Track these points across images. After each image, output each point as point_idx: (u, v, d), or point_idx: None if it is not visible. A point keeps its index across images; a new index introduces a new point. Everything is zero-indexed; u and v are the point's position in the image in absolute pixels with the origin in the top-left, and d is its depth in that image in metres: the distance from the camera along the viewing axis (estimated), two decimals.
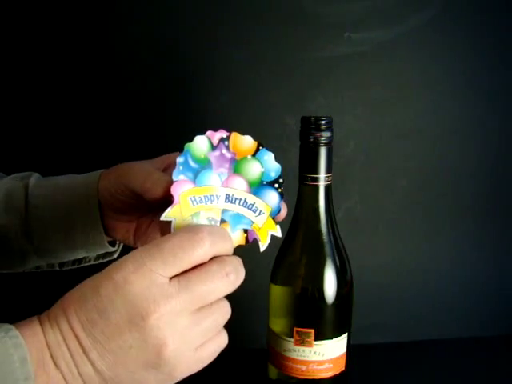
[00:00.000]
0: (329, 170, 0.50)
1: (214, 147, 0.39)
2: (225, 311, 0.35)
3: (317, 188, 0.50)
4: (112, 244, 0.51)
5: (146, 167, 0.43)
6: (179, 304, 0.32)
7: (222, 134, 0.39)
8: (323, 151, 0.49)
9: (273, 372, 0.55)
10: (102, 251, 0.50)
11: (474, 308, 0.77)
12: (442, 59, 0.70)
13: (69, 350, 0.32)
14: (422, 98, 0.71)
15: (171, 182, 0.38)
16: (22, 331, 0.32)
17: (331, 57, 0.68)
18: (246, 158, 0.39)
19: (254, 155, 0.39)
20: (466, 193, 0.75)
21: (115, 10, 0.65)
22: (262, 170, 0.39)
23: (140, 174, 0.42)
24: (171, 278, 0.33)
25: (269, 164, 0.39)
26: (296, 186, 0.51)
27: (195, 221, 0.38)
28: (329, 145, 0.49)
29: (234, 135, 0.39)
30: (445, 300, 0.76)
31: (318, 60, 0.68)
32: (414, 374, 0.68)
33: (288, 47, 0.68)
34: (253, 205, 0.39)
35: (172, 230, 0.38)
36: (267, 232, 0.39)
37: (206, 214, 0.38)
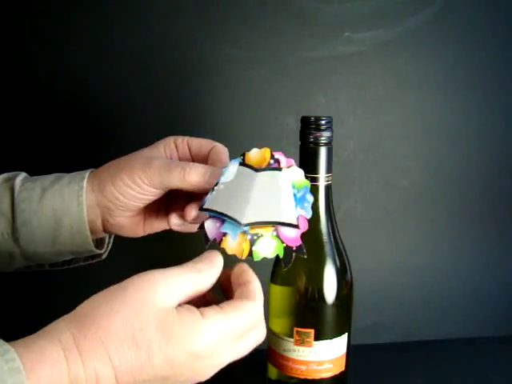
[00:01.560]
0: (329, 169, 0.50)
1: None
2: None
3: (317, 188, 0.50)
4: (100, 244, 0.50)
5: (167, 163, 0.43)
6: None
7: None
8: (323, 151, 0.49)
9: (273, 372, 0.55)
10: (89, 254, 0.49)
11: (473, 308, 0.77)
12: (442, 59, 0.70)
13: None
14: (422, 98, 0.71)
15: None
16: (31, 361, 0.29)
17: (331, 57, 0.68)
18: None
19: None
20: (467, 193, 0.75)
21: (115, 10, 0.65)
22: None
23: (175, 168, 0.43)
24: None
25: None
26: None
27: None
28: (329, 145, 0.49)
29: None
30: (445, 300, 0.76)
31: (318, 60, 0.68)
32: (414, 374, 0.68)
33: (288, 47, 0.68)
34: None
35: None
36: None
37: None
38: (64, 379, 0.29)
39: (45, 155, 0.66)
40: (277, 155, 0.39)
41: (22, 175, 0.48)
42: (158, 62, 0.67)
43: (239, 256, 0.37)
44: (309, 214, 0.38)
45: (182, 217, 0.44)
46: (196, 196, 0.44)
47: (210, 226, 0.38)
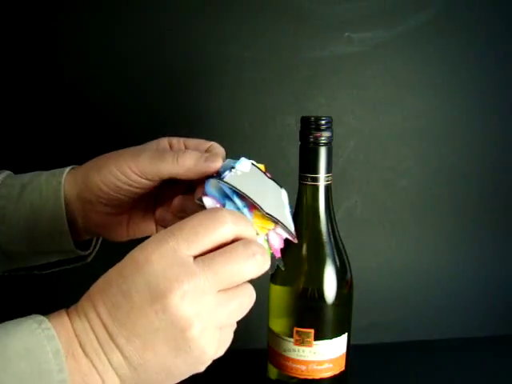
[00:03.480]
0: (329, 169, 0.50)
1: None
2: (250, 294, 0.34)
3: (317, 188, 0.50)
4: (86, 246, 0.49)
5: (159, 152, 0.42)
6: (204, 283, 0.31)
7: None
8: (323, 151, 0.49)
9: (273, 372, 0.55)
10: (73, 255, 0.48)
11: (473, 308, 0.77)
12: (442, 59, 0.70)
13: (96, 337, 0.31)
14: (422, 98, 0.71)
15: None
16: (52, 322, 0.31)
17: (331, 57, 0.68)
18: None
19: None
20: (466, 193, 0.75)
21: (115, 10, 0.65)
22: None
23: (167, 154, 0.41)
24: (195, 258, 0.32)
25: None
26: (296, 186, 0.51)
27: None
28: (329, 145, 0.49)
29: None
30: (445, 300, 0.76)
31: (318, 60, 0.68)
32: (414, 374, 0.68)
33: (288, 47, 0.68)
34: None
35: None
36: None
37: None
38: (71, 332, 0.31)
39: (40, 155, 0.66)
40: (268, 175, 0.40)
41: (5, 173, 0.47)
42: (157, 62, 0.67)
43: None
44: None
45: (170, 207, 0.43)
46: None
47: (211, 205, 0.38)
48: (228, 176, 0.38)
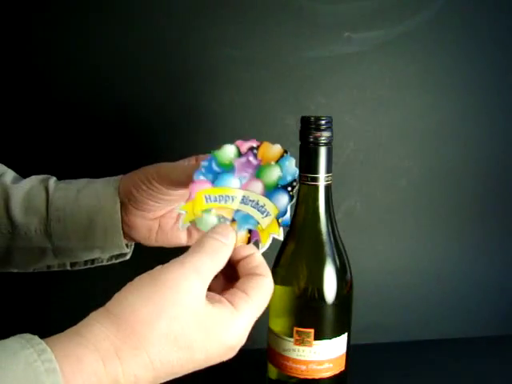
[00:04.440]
0: (329, 169, 0.50)
1: (241, 155, 0.40)
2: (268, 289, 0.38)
3: (317, 188, 0.50)
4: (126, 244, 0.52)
5: (177, 162, 0.47)
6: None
7: (253, 143, 0.40)
8: (323, 151, 0.49)
9: (273, 372, 0.55)
10: (118, 252, 0.51)
11: (473, 308, 0.77)
12: (442, 59, 0.70)
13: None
14: (422, 98, 0.71)
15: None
16: (69, 366, 0.28)
17: (331, 57, 0.68)
18: (269, 163, 0.40)
19: (277, 161, 0.40)
20: (466, 193, 0.75)
21: (115, 10, 0.65)
22: (281, 174, 0.40)
23: (170, 166, 0.45)
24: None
25: (289, 169, 0.40)
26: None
27: (205, 217, 0.39)
28: (329, 145, 0.49)
29: (265, 145, 0.40)
30: (445, 300, 0.77)
31: (318, 60, 0.68)
32: (414, 374, 0.68)
33: (288, 47, 0.68)
34: (263, 206, 0.39)
35: (180, 222, 0.40)
36: (269, 234, 0.39)
37: (217, 212, 0.39)
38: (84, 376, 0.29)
39: (41, 157, 0.66)
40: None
41: (54, 178, 0.51)
42: (157, 62, 0.67)
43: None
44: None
45: None
46: None
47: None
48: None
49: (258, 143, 0.40)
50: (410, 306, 0.76)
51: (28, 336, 0.29)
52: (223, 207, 0.39)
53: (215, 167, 0.40)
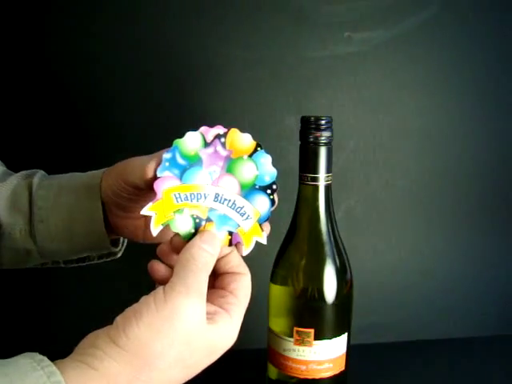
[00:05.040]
0: (329, 169, 0.50)
1: (207, 144, 0.37)
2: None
3: (317, 188, 0.50)
4: (116, 243, 0.51)
5: (144, 159, 0.42)
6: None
7: (219, 130, 0.37)
8: (323, 151, 0.49)
9: (273, 372, 0.55)
10: (105, 251, 0.50)
11: (474, 308, 0.77)
12: (442, 59, 0.70)
13: None
14: (422, 98, 0.71)
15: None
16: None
17: (331, 57, 0.68)
18: (241, 157, 0.37)
19: (250, 156, 0.37)
20: (466, 193, 0.75)
21: (116, 10, 0.65)
22: (257, 173, 0.37)
23: (138, 167, 0.41)
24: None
25: (265, 168, 0.37)
26: (296, 186, 0.51)
27: (177, 217, 0.37)
28: (329, 144, 0.49)
29: (232, 132, 0.37)
30: (445, 300, 0.76)
31: (318, 60, 0.68)
32: (414, 374, 0.68)
33: (288, 47, 0.68)
34: (241, 208, 0.37)
35: (151, 225, 0.37)
36: (252, 238, 0.38)
37: (191, 212, 0.37)
38: None
39: (52, 155, 0.66)
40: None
41: (40, 173, 0.49)
42: (158, 62, 0.67)
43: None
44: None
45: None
46: None
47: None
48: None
49: (225, 130, 0.37)
50: (409, 306, 0.76)
51: (38, 357, 0.30)
52: (196, 206, 0.37)
53: (180, 160, 0.37)
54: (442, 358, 0.72)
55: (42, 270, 0.53)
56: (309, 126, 0.48)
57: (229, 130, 0.38)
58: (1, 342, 0.63)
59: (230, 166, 0.37)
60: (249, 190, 0.37)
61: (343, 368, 0.54)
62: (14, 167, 0.52)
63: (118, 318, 0.33)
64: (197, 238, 0.37)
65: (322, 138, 0.48)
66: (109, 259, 0.52)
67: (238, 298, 0.36)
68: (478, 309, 0.78)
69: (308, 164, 0.49)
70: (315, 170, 0.49)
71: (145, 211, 0.37)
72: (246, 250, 0.38)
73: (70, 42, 0.65)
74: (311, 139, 0.48)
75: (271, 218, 0.43)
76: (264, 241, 0.38)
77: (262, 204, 0.37)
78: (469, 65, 0.71)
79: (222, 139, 0.37)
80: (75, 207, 0.45)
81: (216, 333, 0.34)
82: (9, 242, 0.47)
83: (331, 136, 0.49)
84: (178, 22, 0.66)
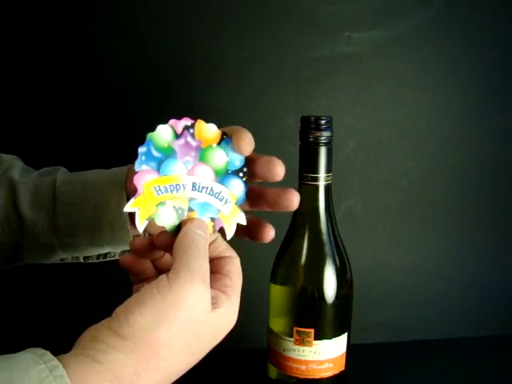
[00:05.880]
0: (329, 169, 0.50)
1: (177, 136, 0.39)
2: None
3: (317, 188, 0.50)
4: None
5: None
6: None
7: (186, 121, 0.39)
8: (323, 151, 0.49)
9: (273, 372, 0.55)
10: (127, 247, 0.50)
11: (474, 308, 0.77)
12: (442, 59, 0.70)
13: None
14: (422, 98, 0.71)
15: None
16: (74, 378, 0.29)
17: (331, 57, 0.68)
18: (211, 146, 0.39)
19: (218, 144, 0.39)
20: (466, 193, 0.75)
21: (116, 10, 0.65)
22: (227, 158, 0.39)
23: None
24: None
25: (233, 153, 0.39)
26: (296, 186, 0.51)
27: (161, 210, 0.38)
28: (329, 144, 0.49)
29: (199, 123, 0.39)
30: (445, 300, 0.77)
31: (318, 60, 0.68)
32: (414, 374, 0.68)
33: (288, 47, 0.68)
34: (219, 193, 0.39)
35: (137, 222, 0.37)
36: (233, 220, 0.39)
37: (172, 203, 0.38)
38: None
39: (51, 152, 0.66)
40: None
41: (62, 170, 0.50)
42: (158, 62, 0.67)
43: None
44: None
45: None
46: None
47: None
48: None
49: (192, 121, 0.39)
50: (410, 306, 0.76)
51: (40, 351, 0.29)
52: (176, 197, 0.38)
53: (155, 152, 0.38)
54: (442, 358, 0.72)
55: (41, 270, 0.53)
56: (309, 126, 0.48)
57: (196, 121, 0.39)
58: (2, 340, 0.63)
59: (201, 155, 0.39)
60: (223, 176, 0.39)
61: (343, 368, 0.54)
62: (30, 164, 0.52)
63: (118, 310, 0.32)
64: (189, 224, 0.37)
65: (322, 138, 0.48)
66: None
67: (232, 279, 0.36)
68: (478, 309, 0.78)
69: (308, 164, 0.49)
70: (315, 169, 0.49)
71: (127, 208, 0.37)
72: (230, 233, 0.39)
73: (71, 42, 0.65)
74: (311, 139, 0.48)
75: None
76: (244, 221, 0.39)
77: (237, 187, 0.39)
78: (469, 65, 0.71)
79: (191, 130, 0.39)
80: (100, 203, 0.46)
81: (219, 317, 0.34)
82: (32, 238, 0.48)
83: (331, 136, 0.49)
84: (177, 21, 0.66)
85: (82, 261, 0.53)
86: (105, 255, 0.53)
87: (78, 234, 0.47)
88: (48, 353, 0.29)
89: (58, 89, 0.66)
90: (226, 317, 0.35)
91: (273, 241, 0.42)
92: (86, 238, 0.48)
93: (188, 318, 0.32)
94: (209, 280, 0.34)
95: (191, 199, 0.38)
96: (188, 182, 0.38)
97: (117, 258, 0.53)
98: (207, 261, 0.35)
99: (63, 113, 0.67)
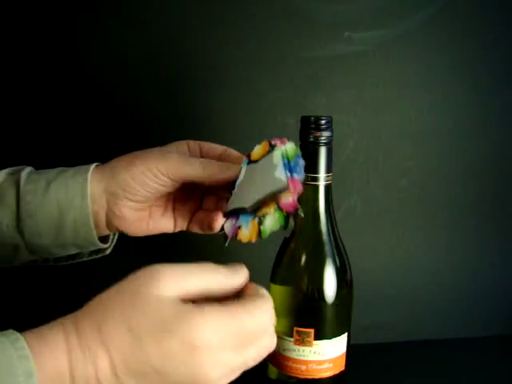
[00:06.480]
0: (329, 169, 0.50)
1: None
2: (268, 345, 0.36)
3: (317, 188, 0.50)
4: (105, 240, 0.50)
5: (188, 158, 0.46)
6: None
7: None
8: (323, 151, 0.49)
9: (272, 372, 0.55)
10: (94, 248, 0.50)
11: (474, 308, 0.77)
12: (442, 59, 0.70)
13: (98, 379, 0.31)
14: (422, 98, 0.71)
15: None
16: (38, 347, 0.30)
17: (331, 57, 0.68)
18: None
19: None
20: (466, 193, 0.75)
21: (115, 10, 0.65)
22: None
23: (183, 162, 0.44)
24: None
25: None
26: None
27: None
28: (329, 144, 0.49)
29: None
30: (445, 300, 0.77)
31: (318, 60, 0.68)
32: (414, 374, 0.68)
33: (288, 47, 0.68)
34: None
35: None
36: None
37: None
38: (64, 361, 0.30)
39: (48, 151, 0.66)
40: (273, 142, 0.42)
41: (28, 169, 0.49)
42: (157, 62, 0.67)
43: (252, 240, 0.41)
44: (301, 176, 0.40)
45: (210, 227, 0.48)
46: (208, 200, 0.49)
47: (229, 226, 0.43)
48: (227, 207, 0.43)
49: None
50: (409, 306, 0.76)
51: (4, 331, 0.31)
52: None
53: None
54: (442, 358, 0.72)
55: (41, 269, 0.53)
56: (309, 126, 0.48)
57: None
58: None
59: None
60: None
61: (343, 368, 0.54)
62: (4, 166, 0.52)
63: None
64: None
65: (322, 138, 0.48)
66: (98, 256, 0.52)
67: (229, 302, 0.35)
68: (478, 309, 0.78)
69: (308, 164, 0.49)
70: (315, 169, 0.49)
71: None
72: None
73: (69, 43, 0.65)
74: (311, 139, 0.48)
75: None
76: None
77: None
78: (469, 65, 0.71)
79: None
80: (64, 202, 0.45)
81: (173, 311, 0.32)
82: None
83: (331, 136, 0.49)
84: (177, 22, 0.66)
85: (52, 263, 0.52)
86: (73, 256, 0.52)
87: (42, 234, 0.46)
88: (10, 330, 0.31)
89: (58, 89, 0.66)
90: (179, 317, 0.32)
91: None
92: (51, 238, 0.46)
93: (132, 287, 0.33)
94: (181, 275, 0.33)
95: None
96: None
97: (85, 259, 0.52)
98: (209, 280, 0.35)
99: (63, 113, 0.67)
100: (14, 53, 0.65)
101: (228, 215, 0.43)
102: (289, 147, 0.42)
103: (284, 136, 0.69)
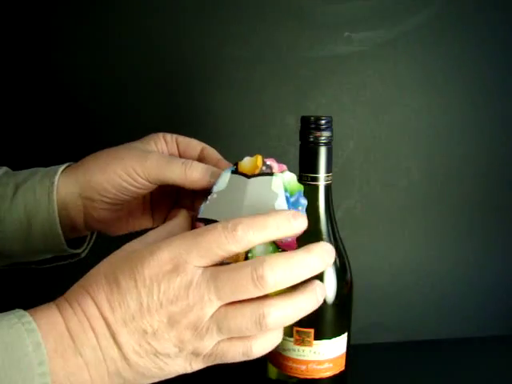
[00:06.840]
0: (329, 169, 0.50)
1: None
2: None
3: (317, 188, 0.50)
4: (81, 242, 0.49)
5: (168, 158, 0.43)
6: (208, 294, 0.32)
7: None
8: (323, 151, 0.49)
9: (272, 372, 0.55)
10: (65, 253, 0.48)
11: (474, 308, 0.77)
12: (442, 59, 0.70)
13: (95, 335, 0.32)
14: (422, 98, 0.71)
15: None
16: (38, 318, 0.32)
17: (331, 57, 0.68)
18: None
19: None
20: (467, 193, 0.75)
21: (115, 10, 0.65)
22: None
23: (163, 163, 0.42)
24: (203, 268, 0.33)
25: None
26: None
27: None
28: (329, 144, 0.49)
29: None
30: (445, 300, 0.77)
31: (317, 60, 0.68)
32: (414, 374, 0.68)
33: (288, 47, 0.68)
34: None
35: None
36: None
37: None
38: (62, 326, 0.32)
39: (37, 152, 0.66)
40: (269, 161, 0.39)
41: (2, 170, 0.47)
42: (157, 62, 0.67)
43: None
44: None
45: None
46: (185, 196, 0.47)
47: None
48: (201, 211, 0.39)
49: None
50: (409, 306, 0.76)
51: (11, 310, 0.33)
52: None
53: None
54: (442, 358, 0.72)
55: (41, 270, 0.53)
56: (309, 126, 0.48)
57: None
58: None
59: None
60: None
61: (343, 368, 0.54)
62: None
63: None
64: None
65: (322, 138, 0.48)
66: (74, 260, 0.50)
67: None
68: (478, 309, 0.78)
69: (308, 164, 0.49)
70: (315, 169, 0.49)
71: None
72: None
73: (69, 42, 0.65)
74: (311, 139, 0.48)
75: None
76: None
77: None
78: (469, 65, 0.71)
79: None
80: (31, 207, 0.43)
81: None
82: None
83: (331, 136, 0.49)
84: (178, 21, 0.66)
85: (33, 266, 0.50)
86: (50, 260, 0.49)
87: (11, 241, 0.44)
88: (19, 310, 0.32)
89: (58, 89, 0.66)
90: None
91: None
92: (20, 244, 0.44)
93: (116, 253, 0.35)
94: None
95: None
96: None
97: (62, 262, 0.50)
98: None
99: (62, 113, 0.67)
100: (16, 55, 0.65)
101: (200, 221, 0.39)
102: (291, 179, 0.38)
103: (284, 136, 0.69)
